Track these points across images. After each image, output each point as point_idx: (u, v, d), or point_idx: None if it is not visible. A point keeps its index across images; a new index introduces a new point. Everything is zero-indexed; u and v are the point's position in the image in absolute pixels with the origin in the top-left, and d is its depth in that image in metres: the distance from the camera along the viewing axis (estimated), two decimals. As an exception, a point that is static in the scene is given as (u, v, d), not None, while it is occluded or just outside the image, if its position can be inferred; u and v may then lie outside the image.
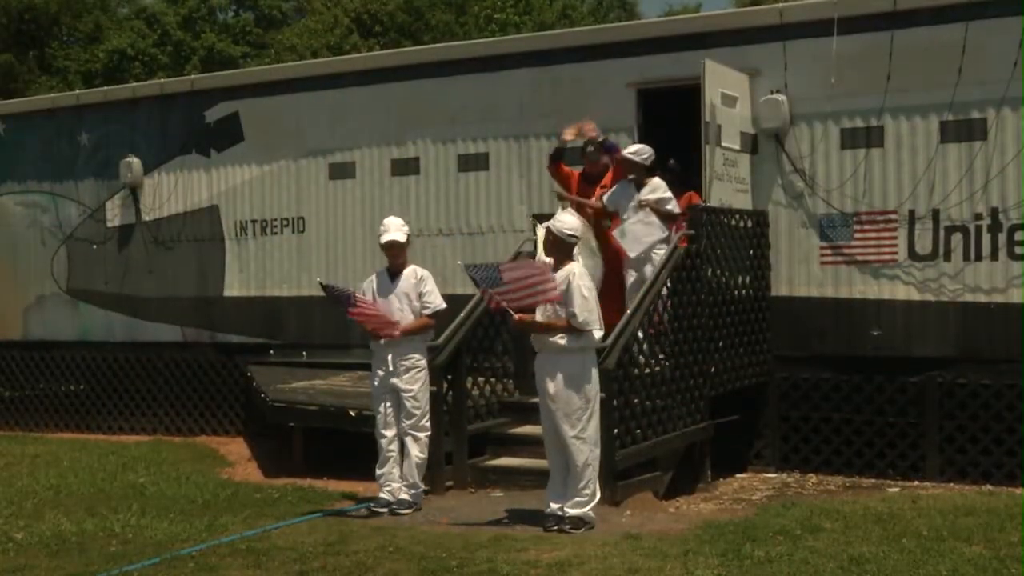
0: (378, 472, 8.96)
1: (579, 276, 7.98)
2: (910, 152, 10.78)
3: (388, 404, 8.88)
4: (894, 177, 10.86)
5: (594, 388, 8.04)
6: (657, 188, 10.18)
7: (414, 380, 8.85)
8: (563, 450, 8.00)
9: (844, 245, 11.06)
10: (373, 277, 9.12)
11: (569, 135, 10.69)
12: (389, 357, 8.81)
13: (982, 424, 10.46)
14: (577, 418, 7.92)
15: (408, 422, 8.85)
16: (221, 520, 8.60)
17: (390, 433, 8.89)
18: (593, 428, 8.01)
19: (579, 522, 7.93)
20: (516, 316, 8.02)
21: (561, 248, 8.12)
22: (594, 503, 8.04)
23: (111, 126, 15.38)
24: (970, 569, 6.68)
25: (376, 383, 8.92)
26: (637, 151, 10.23)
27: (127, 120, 15.25)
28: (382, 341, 8.80)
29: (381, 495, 8.93)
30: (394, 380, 8.81)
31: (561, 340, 7.91)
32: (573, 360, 7.94)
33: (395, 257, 8.95)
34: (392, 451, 8.90)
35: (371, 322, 8.74)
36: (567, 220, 8.19)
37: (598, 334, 8.05)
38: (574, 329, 7.89)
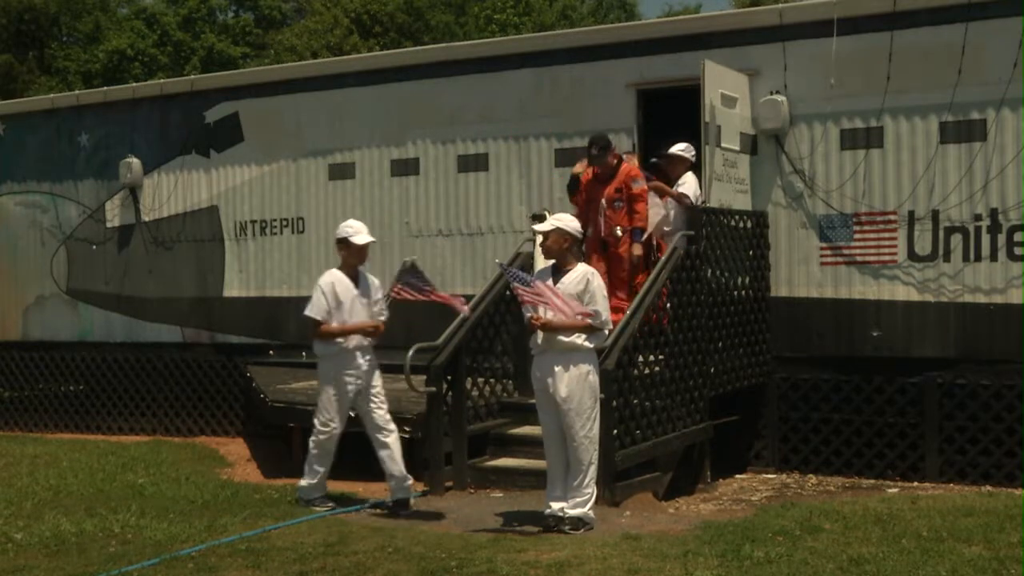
0: (323, 471, 9.07)
1: (596, 275, 8.03)
2: (910, 153, 10.78)
3: (352, 405, 8.96)
4: (894, 178, 10.86)
5: (598, 388, 8.08)
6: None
7: (379, 378, 8.96)
8: (565, 450, 7.99)
9: (844, 246, 11.07)
10: (332, 279, 8.90)
11: (579, 167, 11.04)
12: (364, 359, 8.86)
13: (982, 425, 10.47)
14: (587, 417, 7.93)
15: (381, 415, 8.87)
16: (221, 521, 8.58)
17: (339, 431, 9.01)
18: (598, 427, 8.05)
19: (579, 523, 7.93)
20: (535, 316, 7.95)
21: (572, 247, 8.14)
22: (592, 502, 8.04)
23: (111, 126, 15.38)
24: (969, 570, 6.68)
25: (350, 386, 8.86)
26: (685, 148, 10.89)
27: (127, 120, 15.25)
28: (366, 341, 8.82)
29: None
30: (365, 380, 8.87)
31: (579, 339, 7.91)
32: (586, 359, 7.94)
33: (364, 259, 8.99)
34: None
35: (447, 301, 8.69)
36: (572, 218, 8.23)
37: (604, 333, 8.09)
38: (594, 328, 7.91)
